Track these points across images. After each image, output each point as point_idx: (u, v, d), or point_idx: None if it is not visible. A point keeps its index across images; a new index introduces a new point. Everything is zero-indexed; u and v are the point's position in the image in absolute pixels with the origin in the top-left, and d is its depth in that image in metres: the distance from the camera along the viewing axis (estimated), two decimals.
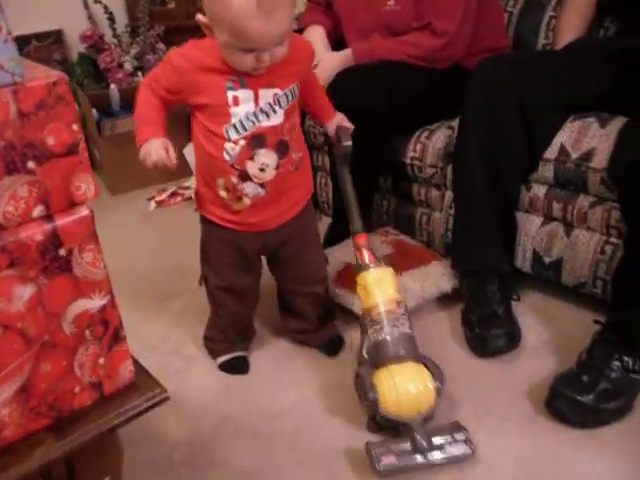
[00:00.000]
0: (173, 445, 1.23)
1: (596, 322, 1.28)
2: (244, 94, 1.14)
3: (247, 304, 1.42)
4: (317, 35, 1.77)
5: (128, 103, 2.40)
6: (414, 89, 1.59)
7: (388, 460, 1.12)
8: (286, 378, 1.39)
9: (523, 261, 1.52)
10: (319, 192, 2.02)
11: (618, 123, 1.37)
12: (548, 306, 1.53)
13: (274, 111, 1.17)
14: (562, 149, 1.40)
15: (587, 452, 1.14)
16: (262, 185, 1.20)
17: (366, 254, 1.30)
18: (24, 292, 0.66)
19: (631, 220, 1.28)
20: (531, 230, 1.50)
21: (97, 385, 0.75)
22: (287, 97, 1.18)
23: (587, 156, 1.36)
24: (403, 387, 1.14)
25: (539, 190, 1.47)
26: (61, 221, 0.67)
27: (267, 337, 1.52)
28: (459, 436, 1.14)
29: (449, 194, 1.64)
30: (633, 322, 1.21)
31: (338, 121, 1.38)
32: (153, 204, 2.30)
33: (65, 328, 0.70)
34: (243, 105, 1.15)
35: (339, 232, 1.67)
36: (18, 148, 0.62)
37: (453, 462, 1.12)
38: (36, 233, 0.65)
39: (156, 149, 1.14)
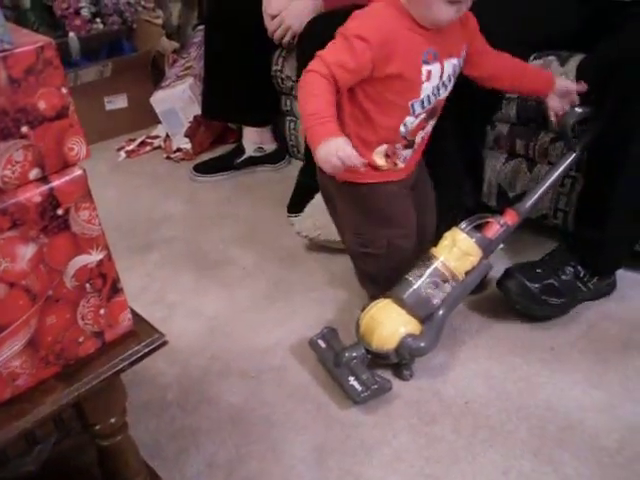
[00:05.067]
0: (165, 387, 1.28)
1: None
2: (435, 68, 1.10)
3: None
4: None
5: (89, 52, 2.36)
6: None
7: (319, 343, 1.28)
8: (269, 318, 1.45)
9: (489, 196, 1.60)
10: (288, 136, 2.04)
11: (578, 59, 1.39)
12: (513, 237, 1.61)
13: (450, 82, 1.15)
14: None
15: (550, 370, 1.23)
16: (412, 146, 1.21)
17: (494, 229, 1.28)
18: (26, 251, 0.69)
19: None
20: (496, 166, 1.57)
21: (99, 334, 0.79)
22: (460, 65, 1.15)
23: None
24: (375, 315, 1.21)
25: (503, 128, 1.53)
26: (57, 182, 0.70)
27: (248, 280, 1.58)
28: (373, 386, 1.17)
29: None
30: (589, 242, 1.32)
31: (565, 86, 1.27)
32: (123, 154, 2.29)
33: (67, 283, 0.74)
34: (433, 80, 1.11)
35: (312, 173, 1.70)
36: (11, 114, 0.64)
37: (346, 391, 1.19)
38: (34, 195, 0.68)
39: (342, 147, 1.01)
